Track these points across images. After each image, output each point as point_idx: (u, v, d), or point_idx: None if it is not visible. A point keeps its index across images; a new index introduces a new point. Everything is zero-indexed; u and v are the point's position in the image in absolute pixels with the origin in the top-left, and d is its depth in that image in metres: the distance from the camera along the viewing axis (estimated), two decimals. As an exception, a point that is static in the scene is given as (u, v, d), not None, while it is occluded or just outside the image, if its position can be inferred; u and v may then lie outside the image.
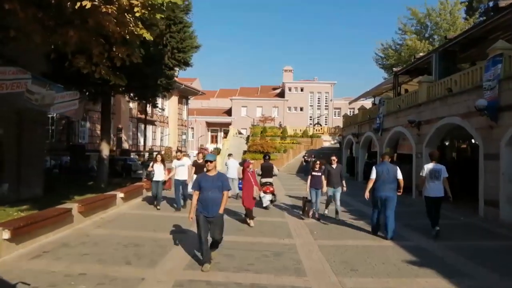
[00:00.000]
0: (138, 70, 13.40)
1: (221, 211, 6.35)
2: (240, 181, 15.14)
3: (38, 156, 18.05)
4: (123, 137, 42.97)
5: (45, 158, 27.16)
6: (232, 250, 7.47)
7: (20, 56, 15.61)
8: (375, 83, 31.79)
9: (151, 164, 12.91)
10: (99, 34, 8.65)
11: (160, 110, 25.63)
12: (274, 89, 77.81)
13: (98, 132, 40.90)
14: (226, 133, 55.80)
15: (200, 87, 66.35)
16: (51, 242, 7.67)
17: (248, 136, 46.19)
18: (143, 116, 47.83)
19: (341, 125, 49.02)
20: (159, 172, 12.44)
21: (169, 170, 13.43)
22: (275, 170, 13.59)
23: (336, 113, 70.48)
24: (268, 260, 6.97)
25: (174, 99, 53.78)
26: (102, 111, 17.90)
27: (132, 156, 42.71)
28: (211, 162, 6.48)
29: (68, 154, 36.09)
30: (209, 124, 70.89)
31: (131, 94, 17.07)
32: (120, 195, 11.77)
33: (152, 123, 49.47)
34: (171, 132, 53.56)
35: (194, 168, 12.27)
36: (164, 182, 12.92)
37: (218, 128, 71.13)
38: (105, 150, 16.56)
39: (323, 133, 48.58)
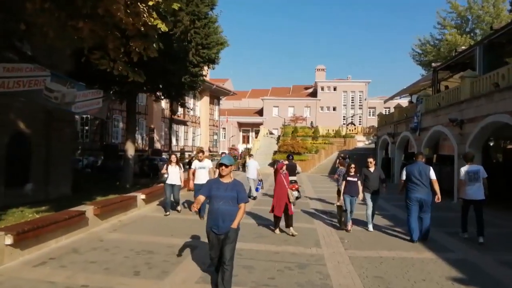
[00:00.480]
0: (162, 67, 12.94)
1: (234, 225, 5.00)
2: (260, 182, 15.61)
3: (66, 156, 18.04)
4: (155, 137, 43.21)
5: (73, 158, 27.53)
6: (252, 261, 6.74)
7: (45, 56, 15.67)
8: (411, 81, 30.19)
9: (165, 166, 11.68)
10: (114, 27, 8.15)
11: (189, 110, 25.15)
12: (306, 88, 76.58)
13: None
14: (257, 133, 55.17)
15: (232, 88, 66.19)
16: (60, 247, 7.20)
17: (279, 136, 45.34)
18: (175, 117, 48.13)
19: (375, 125, 47.46)
20: (174, 175, 11.33)
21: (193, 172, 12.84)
22: (298, 169, 13.95)
23: (371, 113, 68.44)
24: (292, 274, 6.19)
25: (206, 99, 53.76)
26: (127, 111, 17.63)
27: (163, 156, 43.00)
28: (226, 166, 5.16)
29: (102, 154, 36.77)
30: (240, 125, 70.57)
31: (158, 94, 16.63)
32: (141, 196, 11.30)
33: (184, 123, 49.60)
34: (202, 132, 53.55)
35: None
36: (180, 187, 11.69)
37: (249, 129, 70.67)
38: (130, 150, 16.26)
39: (357, 133, 46.99)
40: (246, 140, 70.17)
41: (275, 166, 10.13)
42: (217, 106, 59.13)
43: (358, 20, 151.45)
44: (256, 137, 53.36)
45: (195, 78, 14.61)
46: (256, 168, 15.03)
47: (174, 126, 47.85)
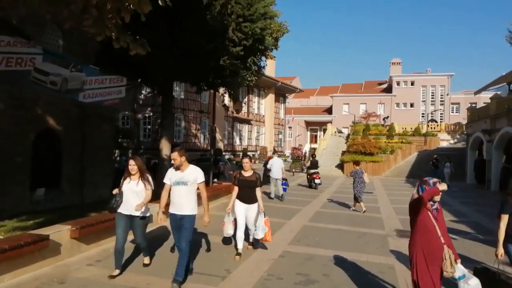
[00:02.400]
0: (196, 46, 10.36)
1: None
2: (284, 181, 14.74)
3: (105, 155, 16.30)
4: (218, 136, 41.47)
5: (122, 157, 26.28)
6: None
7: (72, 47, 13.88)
8: (500, 73, 24.73)
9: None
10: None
11: (244, 104, 22.49)
12: (380, 84, 71.01)
13: (194, 131, 40.14)
14: (325, 132, 51.42)
15: (300, 86, 63.05)
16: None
17: (348, 134, 41.24)
18: (239, 115, 46.13)
19: (462, 121, 41.47)
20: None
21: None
22: (319, 164, 18.20)
23: (454, 109, 61.30)
24: None
25: (271, 97, 51.19)
26: (162, 103, 15.39)
27: (226, 156, 41.17)
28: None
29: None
30: (308, 123, 67.10)
31: (196, 82, 14.01)
32: (71, 233, 6.34)
33: (248, 122, 47.47)
34: (267, 131, 51.05)
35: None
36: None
37: (317, 127, 66.93)
38: (165, 149, 13.97)
39: (439, 131, 41.24)
40: (314, 139, 66.53)
41: (418, 191, 4.29)
42: (282, 104, 56.29)
43: (437, 4, 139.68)
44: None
45: (237, 61, 11.82)
46: (281, 167, 14.48)
47: (238, 125, 45.92)
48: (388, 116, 54.50)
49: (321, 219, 10.79)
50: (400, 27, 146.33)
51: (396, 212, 12.76)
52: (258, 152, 48.12)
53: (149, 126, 37.29)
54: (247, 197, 6.95)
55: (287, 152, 52.52)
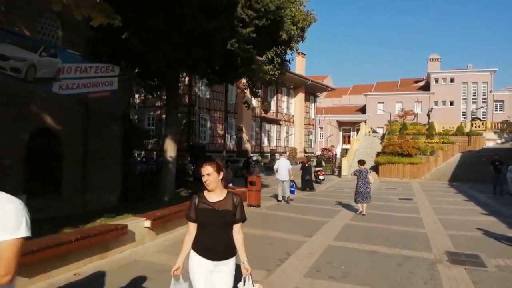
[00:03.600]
0: (194, 24, 8.58)
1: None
2: (292, 183, 14.02)
3: (113, 157, 14.81)
4: (245, 137, 39.80)
5: (135, 160, 24.94)
6: None
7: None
8: None
9: None
10: None
11: (266, 101, 20.51)
12: (417, 81, 67.32)
13: (220, 131, 38.61)
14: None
15: (332, 85, 60.50)
16: None
17: (383, 134, 38.41)
18: (267, 115, 44.27)
19: (509, 119, 37.82)
20: None
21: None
22: (323, 163, 22.12)
23: (498, 107, 57.01)
24: None
25: (300, 96, 49.07)
26: (166, 97, 13.73)
27: (254, 157, 39.40)
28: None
29: (188, 155, 34.50)
30: (340, 123, 64.30)
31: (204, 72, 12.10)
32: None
33: (277, 122, 45.54)
34: (296, 131, 48.93)
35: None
36: None
37: (350, 128, 64.04)
38: (169, 150, 12.27)
39: (485, 130, 37.63)
40: (347, 140, 63.65)
41: None
42: (313, 104, 53.97)
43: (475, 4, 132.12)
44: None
45: (249, 45, 9.91)
46: (288, 168, 13.61)
47: (266, 125, 44.08)
48: (432, 108, 51.03)
49: (351, 236, 8.72)
50: (438, 23, 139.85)
51: (443, 225, 10.46)
52: (287, 153, 46.03)
53: (174, 127, 36.16)
54: (215, 246, 3.29)
55: (318, 153, 50.16)
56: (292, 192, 13.95)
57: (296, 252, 7.11)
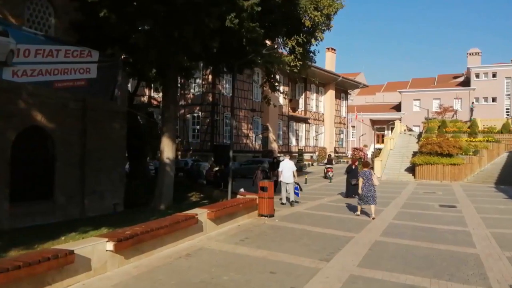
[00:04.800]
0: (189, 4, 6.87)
1: None
2: (297, 186, 13.36)
3: (115, 159, 13.42)
4: (272, 136, 37.96)
5: (124, 161, 23.65)
6: None
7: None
8: None
9: None
10: None
11: (281, 94, 18.56)
12: (455, 77, 63.15)
13: (244, 131, 36.97)
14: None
15: (365, 82, 57.69)
16: None
17: (420, 133, 35.49)
18: (295, 114, 42.26)
19: None
20: None
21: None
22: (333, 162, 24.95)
23: (544, 103, 52.35)
24: None
25: (331, 93, 46.71)
26: (162, 91, 12.08)
27: (281, 157, 37.50)
28: None
29: (212, 155, 33.14)
30: (373, 122, 61.22)
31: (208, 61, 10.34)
32: (107, 246, 5.32)
33: (305, 120, 43.43)
34: (326, 130, 46.60)
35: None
36: None
37: (384, 126, 60.83)
38: (166, 151, 10.62)
39: (535, 127, 33.90)
40: (380, 139, 60.57)
41: None
42: (344, 101, 51.46)
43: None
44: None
45: (255, 23, 8.03)
46: (292, 170, 12.98)
47: (294, 124, 42.09)
48: (473, 103, 47.39)
49: (381, 261, 6.76)
50: (477, 16, 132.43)
51: (499, 243, 8.25)
52: (317, 153, 43.84)
53: (198, 127, 34.86)
54: None
55: (349, 153, 47.62)
56: (296, 194, 13.31)
57: (310, 284, 5.28)
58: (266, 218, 9.86)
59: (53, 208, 11.32)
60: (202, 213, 7.62)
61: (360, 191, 10.94)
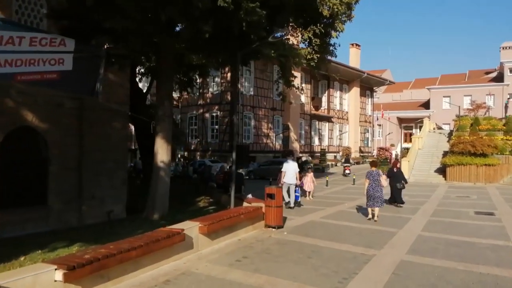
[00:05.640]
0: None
1: None
2: (297, 188, 13.23)
3: (116, 161, 12.46)
4: (293, 136, 36.53)
5: (128, 163, 22.74)
6: None
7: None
8: None
9: None
10: None
11: (297, 90, 17.24)
12: (488, 73, 59.78)
13: (264, 130, 35.69)
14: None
15: (391, 79, 55.36)
16: None
17: (451, 131, 33.24)
18: (318, 112, 40.68)
19: None
20: None
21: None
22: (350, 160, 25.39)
23: None
24: None
25: (355, 91, 44.84)
26: (156, 91, 10.88)
27: (303, 157, 36.07)
28: None
29: (230, 155, 32.07)
30: (401, 120, 58.61)
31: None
32: (56, 275, 4.29)
33: (328, 119, 41.77)
34: (351, 129, 44.74)
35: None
36: None
37: (412, 125, 58.18)
38: (161, 153, 9.44)
39: None
40: (408, 138, 57.96)
41: None
42: (370, 99, 49.42)
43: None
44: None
45: (254, 4, 6.74)
46: (296, 171, 12.94)
47: (316, 123, 40.53)
48: (509, 99, 44.47)
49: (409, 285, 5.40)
50: (510, 8, 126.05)
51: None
52: (340, 153, 42.08)
53: (216, 126, 33.87)
54: None
55: (375, 152, 45.57)
56: (296, 197, 13.13)
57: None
58: (273, 230, 8.59)
59: (47, 215, 10.46)
60: (192, 227, 6.45)
61: (365, 192, 10.58)
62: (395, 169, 14.01)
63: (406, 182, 14.14)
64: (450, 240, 8.50)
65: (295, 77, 15.95)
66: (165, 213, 9.68)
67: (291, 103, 31.05)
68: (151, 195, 10.05)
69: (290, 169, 12.82)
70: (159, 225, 7.84)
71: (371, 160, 10.51)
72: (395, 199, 13.41)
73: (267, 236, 8.03)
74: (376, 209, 10.40)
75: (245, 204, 9.36)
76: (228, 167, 14.86)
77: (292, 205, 12.72)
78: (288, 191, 12.74)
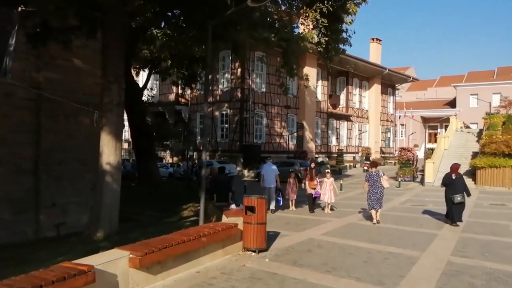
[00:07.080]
0: None
1: None
2: (279, 192, 12.43)
3: (83, 163, 10.62)
4: (307, 135, 34.16)
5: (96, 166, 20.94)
6: None
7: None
8: None
9: None
10: None
11: (301, 81, 15.04)
12: (520, 68, 55.73)
13: (277, 129, 33.44)
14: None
15: (415, 77, 52.22)
16: None
17: (481, 130, 30.20)
18: (335, 110, 38.19)
19: None
20: None
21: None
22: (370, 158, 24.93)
23: None
24: None
25: (376, 88, 42.06)
26: (102, 72, 8.46)
27: (319, 158, 33.73)
28: None
29: (241, 156, 30.10)
30: (425, 119, 55.27)
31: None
32: None
33: (347, 118, 39.19)
34: (371, 129, 41.99)
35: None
36: None
37: (437, 124, 54.77)
38: (106, 153, 7.38)
39: None
40: (433, 138, 54.59)
41: None
42: (392, 97, 46.50)
43: None
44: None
45: None
46: (275, 173, 12.06)
47: (334, 122, 38.04)
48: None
49: None
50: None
51: None
52: (360, 154, 39.41)
53: (226, 125, 31.92)
54: None
55: (396, 153, 42.67)
56: (278, 201, 12.28)
57: None
58: (252, 254, 6.46)
59: (-8, 227, 8.71)
60: (118, 259, 4.40)
61: (366, 195, 10.22)
62: (453, 176, 10.11)
63: (469, 194, 10.24)
64: (490, 269, 6.17)
65: (299, 66, 13.74)
66: (113, 230, 7.65)
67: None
68: (94, 207, 7.99)
69: (268, 172, 12.27)
70: (101, 247, 5.82)
71: (371, 160, 8.98)
72: (452, 215, 9.90)
73: (240, 265, 5.91)
74: (373, 212, 10.13)
75: (223, 218, 7.28)
76: (210, 170, 12.86)
77: (273, 207, 12.05)
78: (269, 196, 11.71)
